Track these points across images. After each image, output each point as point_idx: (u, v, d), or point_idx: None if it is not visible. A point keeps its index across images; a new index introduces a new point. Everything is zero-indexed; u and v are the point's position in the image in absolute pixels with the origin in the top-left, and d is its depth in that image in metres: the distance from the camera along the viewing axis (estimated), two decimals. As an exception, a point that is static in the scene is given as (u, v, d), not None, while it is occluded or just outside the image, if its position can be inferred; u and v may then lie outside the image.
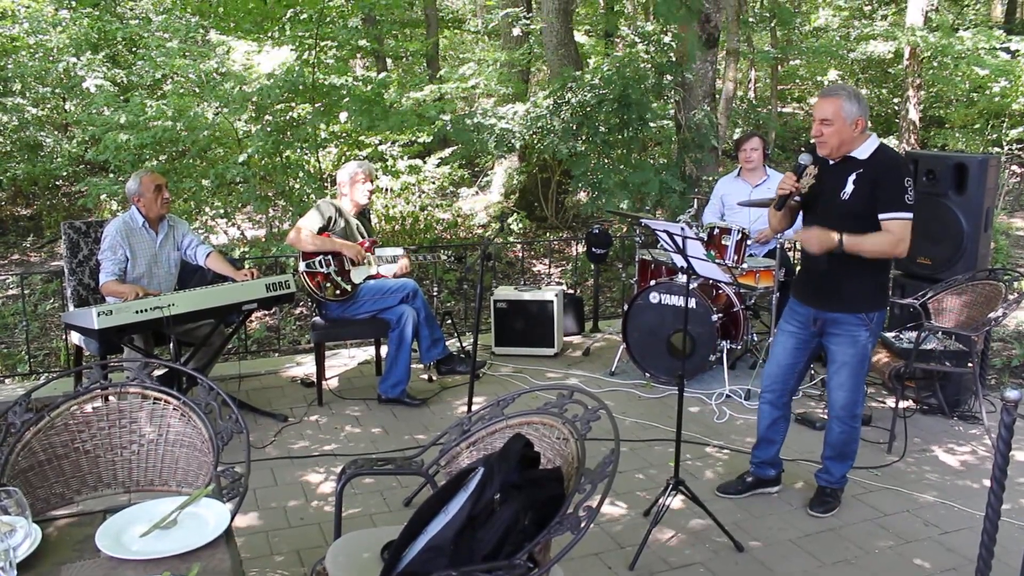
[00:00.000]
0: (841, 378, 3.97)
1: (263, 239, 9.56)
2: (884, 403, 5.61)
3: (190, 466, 2.83)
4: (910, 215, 3.67)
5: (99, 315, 4.34)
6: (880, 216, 3.68)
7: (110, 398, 2.87)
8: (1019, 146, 16.65)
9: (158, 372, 4.95)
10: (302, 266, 5.35)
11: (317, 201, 5.71)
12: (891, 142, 16.99)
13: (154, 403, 2.86)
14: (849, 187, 3.76)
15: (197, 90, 9.31)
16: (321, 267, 5.35)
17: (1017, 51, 15.01)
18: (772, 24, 17.31)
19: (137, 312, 4.49)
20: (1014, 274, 5.26)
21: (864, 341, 3.90)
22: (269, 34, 9.95)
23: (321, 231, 5.37)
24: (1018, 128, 16.20)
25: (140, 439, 2.83)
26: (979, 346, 5.23)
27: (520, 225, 11.29)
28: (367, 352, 6.51)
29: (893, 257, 3.81)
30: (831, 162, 3.86)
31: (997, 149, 15.91)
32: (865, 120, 3.74)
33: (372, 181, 5.66)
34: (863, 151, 3.77)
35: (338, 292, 5.39)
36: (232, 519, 2.27)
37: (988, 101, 16.15)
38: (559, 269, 10.24)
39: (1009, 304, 4.98)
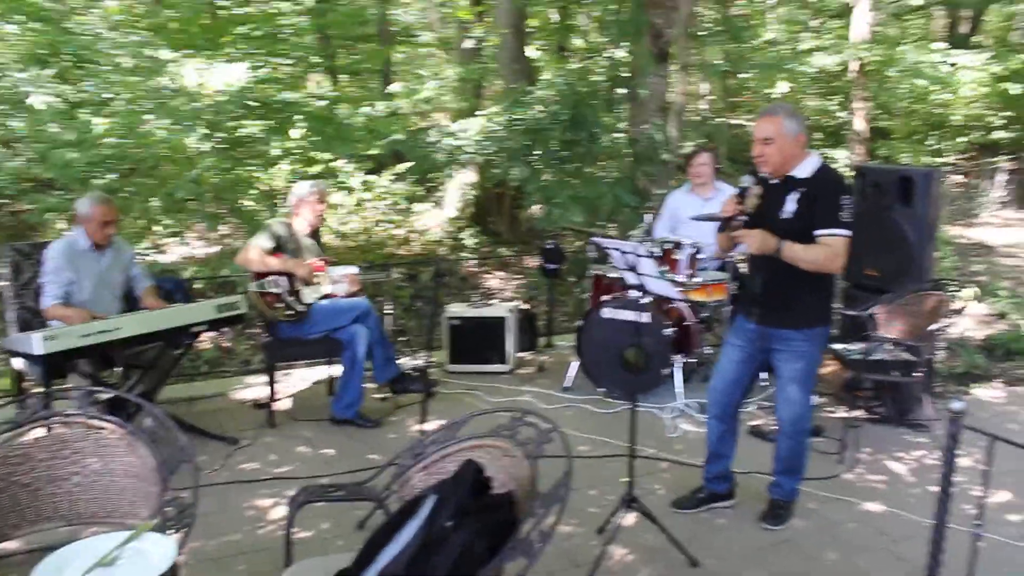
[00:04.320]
0: (787, 393, 4.01)
1: (215, 258, 9.44)
2: (835, 413, 5.66)
3: (136, 497, 2.76)
4: (847, 232, 3.72)
5: (43, 340, 4.23)
6: (816, 232, 3.73)
7: (52, 428, 2.80)
8: (961, 156, 17.05)
9: (105, 397, 4.85)
10: (253, 286, 5.28)
11: (268, 221, 5.64)
12: (840, 153, 17.29)
13: (98, 432, 2.79)
14: (790, 206, 3.81)
15: (148, 106, 9.17)
16: (272, 287, 5.28)
17: (957, 64, 15.39)
18: (723, 38, 17.52)
19: (82, 336, 4.38)
20: (957, 285, 5.34)
21: (809, 356, 3.94)
22: (222, 51, 9.84)
23: (272, 252, 5.31)
24: (960, 138, 16.59)
25: (83, 470, 2.76)
26: (926, 356, 5.32)
27: (474, 240, 11.28)
28: (320, 372, 6.43)
29: (829, 272, 3.84)
30: (773, 181, 3.90)
31: (940, 160, 16.27)
32: (806, 136, 3.80)
33: (324, 201, 5.61)
34: (804, 170, 3.83)
35: (290, 313, 5.32)
36: (178, 553, 2.21)
37: (929, 113, 16.53)
38: (514, 284, 10.24)
39: (953, 314, 5.06)
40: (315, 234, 5.70)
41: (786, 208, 3.82)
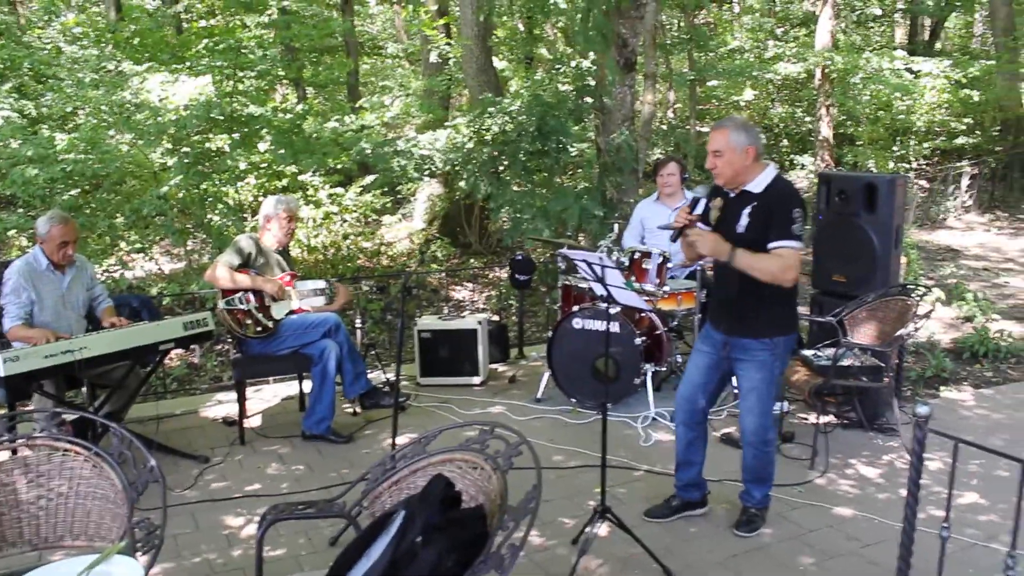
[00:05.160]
0: (749, 403, 4.04)
1: (182, 273, 9.38)
2: (806, 419, 5.72)
3: (103, 519, 2.74)
4: (798, 244, 3.77)
5: (5, 361, 4.17)
6: (769, 244, 3.79)
7: (16, 451, 2.77)
8: (926, 162, 17.30)
9: (70, 417, 4.80)
10: (221, 304, 5.25)
11: (237, 237, 5.61)
12: (807, 159, 17.50)
13: (63, 455, 2.76)
14: (744, 220, 3.87)
15: (110, 121, 9.11)
16: (241, 304, 5.25)
17: (919, 71, 15.65)
18: (688, 47, 17.71)
19: (46, 357, 4.34)
20: (923, 289, 5.42)
21: (770, 366, 3.97)
22: (186, 64, 9.80)
23: (240, 267, 5.28)
24: (924, 144, 16.85)
25: (48, 493, 2.73)
26: (894, 360, 5.38)
27: (444, 252, 11.28)
28: (290, 388, 6.40)
29: (781, 283, 3.81)
30: (731, 194, 3.96)
31: (905, 165, 16.49)
32: (756, 149, 3.84)
33: (294, 218, 5.60)
34: (758, 184, 3.88)
35: (259, 329, 5.29)
36: (146, 574, 2.20)
37: (893, 119, 16.79)
38: (484, 295, 10.25)
39: (919, 319, 5.13)
40: (284, 249, 5.68)
41: (740, 222, 3.88)
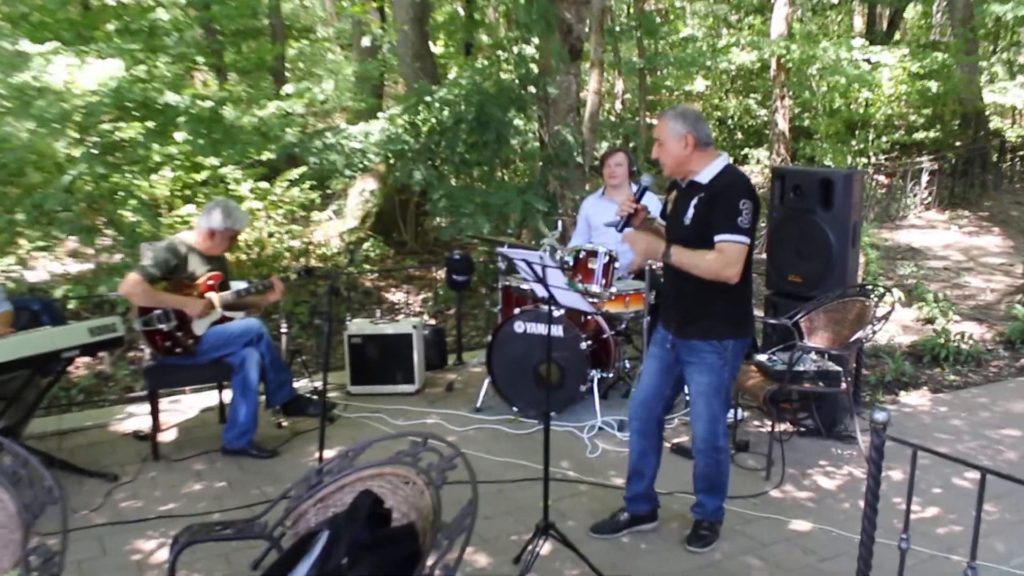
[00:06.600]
0: (698, 408, 4.08)
1: (91, 275, 9.16)
2: (761, 427, 5.78)
3: (-6, 545, 2.65)
4: (744, 239, 3.78)
5: None
6: (714, 238, 3.81)
7: None
8: (885, 156, 17.65)
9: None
10: (138, 324, 5.11)
11: (162, 243, 5.42)
12: (763, 153, 17.75)
13: (-51, 475, 2.67)
14: (690, 212, 3.92)
15: (8, 106, 8.87)
16: (160, 323, 5.11)
17: (877, 62, 15.97)
18: (638, 34, 17.83)
19: (-66, 366, 4.21)
20: (882, 290, 5.52)
21: (718, 370, 3.99)
22: (93, 46, 9.56)
23: (161, 278, 5.14)
24: (883, 138, 17.19)
25: (-69, 518, 2.64)
26: (852, 364, 5.46)
27: (377, 251, 11.20)
28: (209, 398, 6.28)
29: (722, 280, 3.83)
30: (683, 185, 4.00)
31: (863, 160, 16.80)
32: (695, 137, 3.87)
33: (236, 239, 5.53)
34: (706, 175, 3.91)
35: (179, 350, 5.18)
36: (42, 605, 2.13)
37: (851, 111, 17.10)
38: (420, 297, 10.20)
39: (878, 321, 5.21)
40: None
41: (687, 214, 3.92)
